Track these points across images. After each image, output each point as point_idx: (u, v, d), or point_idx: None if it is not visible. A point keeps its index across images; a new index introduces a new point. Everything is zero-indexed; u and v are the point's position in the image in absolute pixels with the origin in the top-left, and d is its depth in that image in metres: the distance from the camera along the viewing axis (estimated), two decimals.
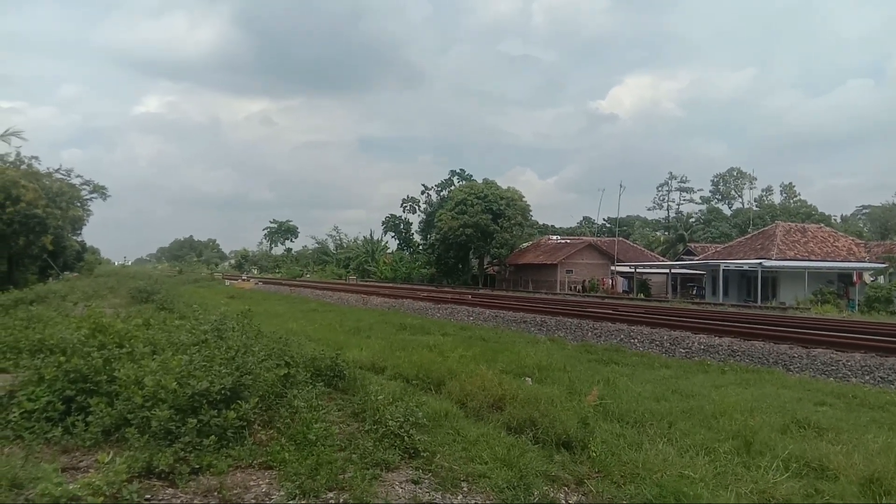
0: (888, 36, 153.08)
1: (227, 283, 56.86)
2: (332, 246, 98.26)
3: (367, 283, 58.34)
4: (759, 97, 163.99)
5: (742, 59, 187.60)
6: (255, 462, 4.66)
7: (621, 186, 78.66)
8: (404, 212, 78.23)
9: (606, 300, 35.50)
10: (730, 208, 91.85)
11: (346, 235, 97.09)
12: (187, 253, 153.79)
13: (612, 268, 53.92)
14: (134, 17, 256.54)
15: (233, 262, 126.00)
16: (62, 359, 5.59)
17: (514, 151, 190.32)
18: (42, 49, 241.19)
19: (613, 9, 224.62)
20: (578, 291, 50.48)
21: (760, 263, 38.58)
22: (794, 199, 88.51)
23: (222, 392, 5.01)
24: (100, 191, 44.51)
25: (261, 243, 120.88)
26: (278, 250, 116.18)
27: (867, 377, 10.63)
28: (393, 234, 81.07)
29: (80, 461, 4.65)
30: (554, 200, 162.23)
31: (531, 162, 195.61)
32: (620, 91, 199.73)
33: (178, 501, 3.99)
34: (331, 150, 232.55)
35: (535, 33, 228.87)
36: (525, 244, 64.43)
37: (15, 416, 5.11)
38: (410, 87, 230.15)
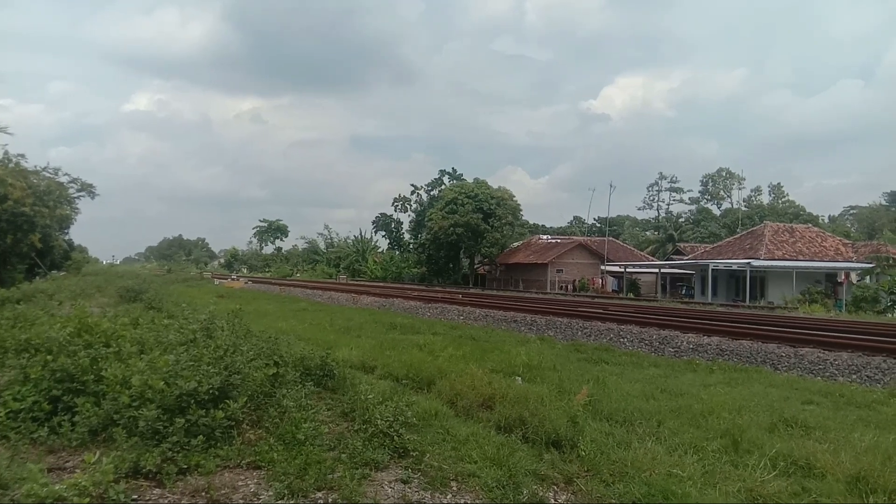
0: (878, 37, 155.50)
1: (217, 282, 56.40)
2: (322, 245, 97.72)
3: (358, 283, 58.21)
4: (751, 97, 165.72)
5: (734, 59, 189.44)
6: (243, 462, 4.64)
7: (611, 186, 79.09)
8: (395, 211, 78.05)
9: (596, 300, 35.60)
10: (719, 208, 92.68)
11: (336, 234, 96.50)
12: (176, 252, 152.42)
13: (602, 267, 54.18)
14: (125, 13, 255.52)
15: (222, 261, 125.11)
16: (48, 358, 5.54)
17: (506, 150, 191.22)
18: (31, 45, 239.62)
19: (607, 8, 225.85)
20: (568, 291, 50.64)
21: (749, 263, 38.88)
22: (783, 199, 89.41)
23: (210, 392, 4.97)
24: (88, 189, 43.75)
25: (251, 242, 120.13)
26: (268, 249, 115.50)
27: (854, 376, 10.74)
28: (384, 233, 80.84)
29: (67, 461, 4.61)
30: (545, 200, 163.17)
31: (523, 161, 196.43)
32: (612, 91, 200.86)
33: (166, 502, 3.96)
34: (323, 148, 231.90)
35: (529, 32, 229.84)
36: (515, 244, 64.56)
37: (0, 416, 5.05)
38: (403, 85, 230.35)
